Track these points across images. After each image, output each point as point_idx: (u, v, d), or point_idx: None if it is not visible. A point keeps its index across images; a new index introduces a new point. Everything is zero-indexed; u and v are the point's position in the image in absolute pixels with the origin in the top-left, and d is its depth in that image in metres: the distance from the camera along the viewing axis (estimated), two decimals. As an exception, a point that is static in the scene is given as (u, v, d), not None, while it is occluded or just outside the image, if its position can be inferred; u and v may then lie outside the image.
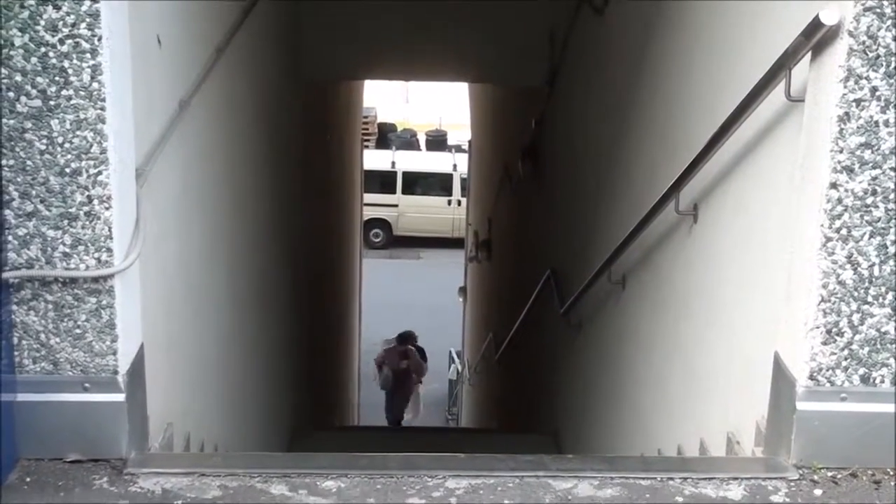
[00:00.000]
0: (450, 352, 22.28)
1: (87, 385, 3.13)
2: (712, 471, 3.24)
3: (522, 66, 9.94)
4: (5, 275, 2.99)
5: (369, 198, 25.33)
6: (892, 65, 2.89)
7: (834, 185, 2.98)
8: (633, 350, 5.43)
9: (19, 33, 2.86)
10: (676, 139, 4.63)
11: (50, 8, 2.85)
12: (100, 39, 2.89)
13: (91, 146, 2.95)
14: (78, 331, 3.09)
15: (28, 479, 3.04)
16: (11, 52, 2.87)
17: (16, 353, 3.08)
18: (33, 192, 2.97)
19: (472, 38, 10.05)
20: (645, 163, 5.33)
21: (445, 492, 3.06)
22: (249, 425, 5.99)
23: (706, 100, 4.20)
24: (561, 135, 8.83)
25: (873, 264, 3.05)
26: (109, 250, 3.04)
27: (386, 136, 35.56)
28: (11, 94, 2.90)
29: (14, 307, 3.05)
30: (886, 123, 2.93)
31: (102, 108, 2.94)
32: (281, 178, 7.48)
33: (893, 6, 2.85)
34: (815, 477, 3.15)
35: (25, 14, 2.85)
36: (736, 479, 3.17)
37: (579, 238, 7.33)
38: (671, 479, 3.17)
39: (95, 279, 3.06)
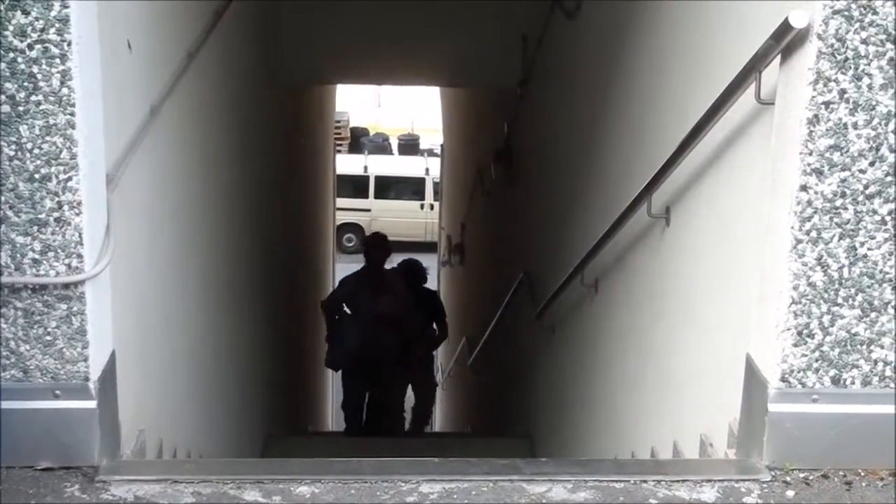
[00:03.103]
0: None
1: (57, 392, 3.12)
2: (685, 473, 3.26)
3: (495, 70, 9.95)
4: (-25, 282, 2.99)
5: (342, 202, 25.28)
6: (861, 67, 2.91)
7: (804, 188, 3.00)
8: (606, 353, 5.44)
9: (-13, 38, 2.86)
10: (649, 141, 4.65)
11: (19, 13, 2.85)
12: (69, 44, 2.89)
13: (61, 152, 2.95)
14: (48, 338, 3.09)
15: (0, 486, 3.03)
16: (-21, 58, 2.87)
17: (-14, 360, 3.08)
18: (2, 199, 2.97)
19: (445, 43, 10.06)
20: (618, 165, 5.34)
21: (419, 496, 3.06)
22: (222, 431, 5.98)
23: (678, 102, 4.21)
24: (534, 137, 8.84)
25: (843, 266, 3.07)
26: (80, 256, 3.04)
27: (358, 141, 35.55)
28: (-20, 100, 2.90)
29: (-16, 314, 3.05)
30: (855, 126, 2.95)
31: (72, 114, 2.94)
32: (253, 183, 7.47)
33: (861, 9, 2.87)
34: (788, 478, 3.17)
35: (-7, 19, 2.85)
36: (709, 481, 3.19)
37: (552, 241, 7.34)
38: (645, 481, 3.18)
39: (66, 286, 3.05)
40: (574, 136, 6.69)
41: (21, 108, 2.91)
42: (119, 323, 3.40)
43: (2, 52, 2.87)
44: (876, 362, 3.15)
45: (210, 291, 5.54)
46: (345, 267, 25.48)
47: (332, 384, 19.43)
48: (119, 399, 3.38)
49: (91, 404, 3.15)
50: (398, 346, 10.17)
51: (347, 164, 29.00)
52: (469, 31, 9.71)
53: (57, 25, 2.86)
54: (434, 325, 11.11)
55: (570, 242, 6.42)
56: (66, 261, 3.03)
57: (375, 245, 10.60)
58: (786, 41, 2.96)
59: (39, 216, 2.99)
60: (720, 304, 3.70)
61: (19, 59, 2.88)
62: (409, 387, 11.20)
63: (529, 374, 8.23)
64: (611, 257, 5.26)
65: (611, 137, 5.57)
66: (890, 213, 3.02)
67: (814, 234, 3.04)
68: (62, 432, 3.14)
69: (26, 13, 2.85)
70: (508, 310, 9.56)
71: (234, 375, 6.50)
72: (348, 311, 10.30)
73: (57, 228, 3.01)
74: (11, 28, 2.85)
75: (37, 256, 3.02)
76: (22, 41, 2.87)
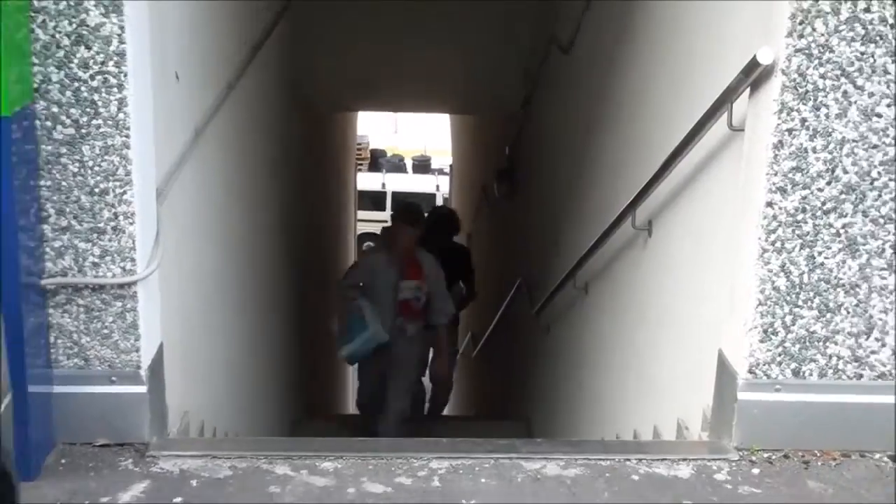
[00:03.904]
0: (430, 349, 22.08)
1: (113, 378, 3.14)
2: (664, 452, 3.26)
3: (499, 99, 9.95)
4: (43, 282, 3.01)
5: (362, 214, 25.18)
6: (819, 99, 2.92)
7: (769, 204, 3.01)
8: (595, 347, 5.42)
9: (56, 70, 2.89)
10: (634, 162, 4.63)
11: (83, 48, 2.88)
12: (126, 75, 2.91)
13: (117, 169, 2.98)
14: (105, 331, 3.11)
15: (63, 461, 3.05)
16: (49, 87, 2.90)
17: (52, 350, 3.10)
18: (67, 210, 2.99)
19: (455, 76, 10.03)
20: (606, 182, 5.33)
21: (429, 472, 3.07)
22: (255, 414, 5.97)
23: (660, 128, 4.21)
24: (532, 158, 8.81)
25: (803, 272, 3.08)
26: (133, 260, 3.06)
27: (377, 161, 35.41)
28: (49, 124, 2.92)
29: (50, 310, 3.07)
30: (814, 150, 2.96)
31: (127, 136, 2.96)
32: (285, 196, 7.48)
33: (820, 48, 2.89)
34: (753, 458, 3.17)
35: (61, 53, 2.88)
36: (685, 459, 3.19)
37: (548, 249, 7.32)
38: (628, 459, 3.19)
39: (121, 286, 3.08)
40: (568, 156, 6.67)
41: (84, 131, 2.94)
42: (166, 319, 3.41)
43: (68, 81, 2.90)
44: (831, 357, 3.16)
45: (244, 292, 5.54)
46: (363, 271, 25.50)
47: (352, 374, 19.32)
48: (166, 385, 3.39)
49: (142, 389, 3.17)
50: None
51: (367, 181, 28.91)
52: (476, 65, 9.67)
53: (115, 59, 2.89)
54: (461, 283, 8.89)
55: (564, 250, 6.40)
56: (121, 264, 3.06)
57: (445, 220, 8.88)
58: (754, 76, 2.98)
59: (98, 225, 3.02)
60: (695, 306, 3.70)
61: (83, 88, 2.91)
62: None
63: (527, 365, 8.19)
64: (600, 264, 5.25)
65: (600, 158, 5.56)
66: (844, 226, 3.03)
67: (778, 244, 3.05)
68: (117, 413, 3.16)
69: (89, 48, 2.88)
70: (509, 310, 9.51)
71: (265, 365, 6.49)
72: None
73: (113, 236, 3.03)
74: (76, 61, 2.88)
75: (96, 260, 3.05)
76: (85, 72, 2.90)
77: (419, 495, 2.95)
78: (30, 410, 2.86)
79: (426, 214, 8.40)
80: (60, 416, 3.11)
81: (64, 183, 2.97)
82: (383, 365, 7.16)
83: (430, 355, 8.00)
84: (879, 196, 3.02)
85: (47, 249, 3.02)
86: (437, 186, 29.91)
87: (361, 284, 7.10)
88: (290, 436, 7.56)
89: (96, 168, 2.97)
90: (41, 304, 3.03)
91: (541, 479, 3.06)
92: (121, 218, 3.02)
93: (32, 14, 2.84)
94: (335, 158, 14.30)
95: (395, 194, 30.15)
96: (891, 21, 2.88)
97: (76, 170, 2.97)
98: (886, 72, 2.92)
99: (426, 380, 8.41)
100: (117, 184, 2.99)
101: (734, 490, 3.03)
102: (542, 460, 3.16)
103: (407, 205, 7.71)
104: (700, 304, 3.64)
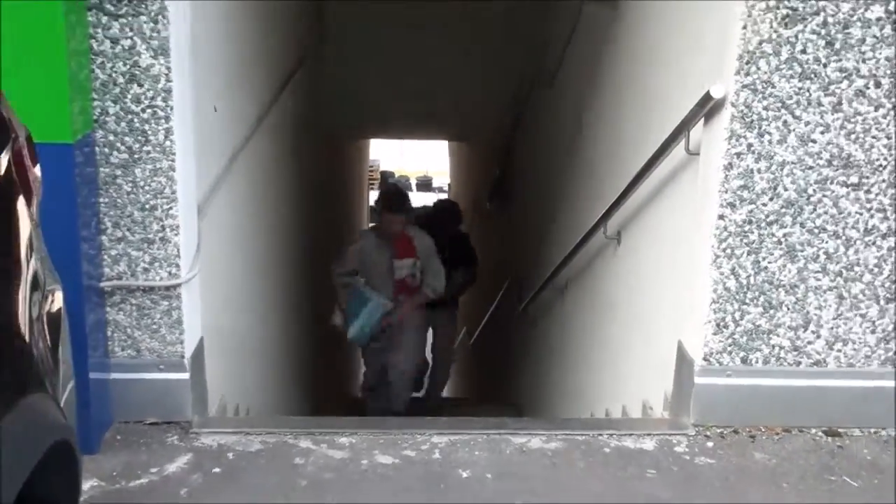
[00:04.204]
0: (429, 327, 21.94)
1: (161, 366, 3.16)
2: (631, 429, 3.28)
3: (489, 129, 9.98)
4: (102, 284, 3.03)
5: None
6: (763, 127, 2.94)
7: (721, 217, 3.03)
8: (574, 339, 5.41)
9: (112, 104, 2.91)
10: (607, 181, 4.61)
11: (135, 85, 2.90)
12: (172, 109, 2.94)
13: (164, 188, 3.00)
14: (154, 326, 3.13)
15: (119, 437, 3.08)
16: (106, 118, 2.92)
17: (109, 342, 3.12)
18: (122, 223, 3.02)
19: (453, 109, 10.06)
20: (582, 198, 5.31)
21: (430, 446, 3.09)
22: (282, 398, 5.97)
23: (629, 152, 4.21)
24: (519, 178, 8.82)
25: (749, 275, 3.09)
26: (177, 266, 3.08)
27: (386, 181, 35.45)
28: (106, 150, 2.95)
29: (108, 309, 3.09)
30: (759, 171, 2.98)
31: (173, 160, 2.98)
32: (307, 211, 7.48)
33: (763, 84, 2.91)
34: (708, 433, 3.19)
35: (117, 90, 2.90)
36: (649, 434, 3.21)
37: (534, 254, 7.32)
38: (601, 434, 3.21)
39: (167, 288, 3.10)
40: (550, 175, 6.67)
41: (136, 156, 2.96)
42: (205, 316, 3.43)
43: (122, 114, 2.92)
44: (774, 347, 3.18)
45: (271, 294, 5.54)
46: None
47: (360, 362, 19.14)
48: (206, 372, 3.41)
49: (185, 376, 3.19)
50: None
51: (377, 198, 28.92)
52: (471, 99, 9.69)
53: (163, 95, 2.92)
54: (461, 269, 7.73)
55: (547, 255, 6.38)
56: (168, 269, 3.08)
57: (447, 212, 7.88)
58: (708, 107, 3.00)
59: (148, 236, 3.04)
60: (658, 303, 3.71)
61: (135, 120, 2.93)
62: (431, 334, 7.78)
63: (517, 355, 8.16)
64: (577, 268, 5.25)
65: (577, 177, 5.56)
66: (784, 235, 3.05)
67: (728, 251, 3.07)
68: (164, 396, 3.18)
69: (140, 85, 2.90)
70: (499, 307, 9.50)
71: (290, 356, 6.49)
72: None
73: (161, 245, 3.05)
74: (130, 96, 2.91)
75: (146, 266, 3.07)
76: (137, 106, 2.92)
77: (422, 466, 2.97)
78: (90, 394, 2.88)
79: (432, 206, 8.25)
80: (116, 399, 3.14)
81: (119, 200, 2.99)
82: (387, 349, 6.58)
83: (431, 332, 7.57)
84: (814, 210, 3.04)
85: (105, 257, 3.04)
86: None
87: (357, 271, 6.34)
88: (312, 414, 7.54)
89: (146, 187, 2.99)
90: (100, 303, 3.05)
91: (526, 452, 3.07)
92: (167, 230, 3.04)
93: (93, 57, 2.87)
94: (352, 179, 14.30)
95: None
96: (823, 61, 2.91)
97: (129, 189, 2.99)
98: (820, 104, 2.94)
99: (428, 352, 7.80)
100: (164, 201, 3.01)
101: (691, 460, 3.04)
102: (528, 435, 3.17)
103: (390, 192, 6.61)
104: (662, 302, 3.65)
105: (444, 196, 9.06)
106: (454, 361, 8.31)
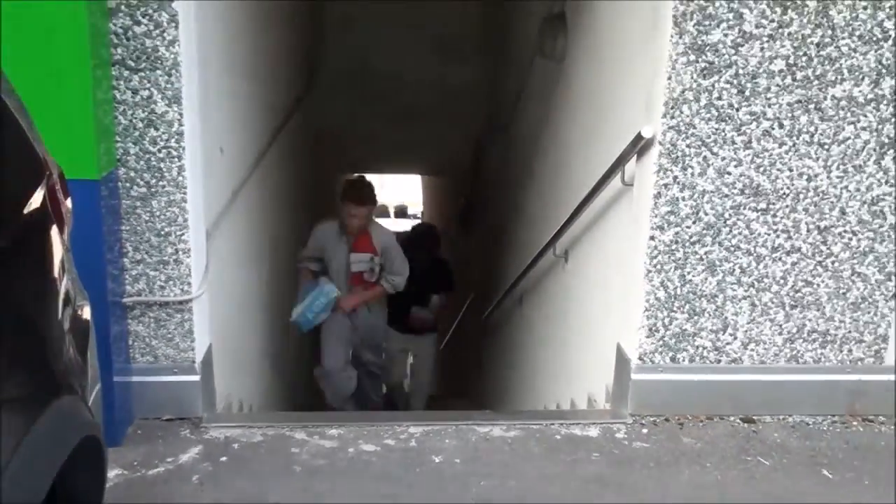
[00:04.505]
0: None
1: (175, 370, 3.15)
2: (578, 418, 3.29)
3: (455, 165, 10.03)
4: (124, 300, 3.02)
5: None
6: (686, 162, 2.98)
7: (652, 238, 3.06)
8: (529, 342, 5.41)
9: (133, 145, 2.91)
10: (554, 208, 4.63)
11: (152, 129, 2.90)
12: (184, 149, 2.94)
13: (177, 217, 2.99)
14: (169, 336, 3.12)
15: (139, 432, 3.06)
16: (127, 158, 2.91)
17: (130, 350, 3.10)
18: (141, 247, 3.00)
19: (424, 148, 10.12)
20: (535, 222, 5.31)
21: (408, 435, 3.09)
22: (280, 397, 5.93)
23: (573, 183, 4.21)
24: (482, 207, 8.84)
25: (676, 287, 3.12)
26: (189, 284, 3.07)
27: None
28: (128, 185, 2.94)
29: (129, 321, 3.08)
30: (683, 199, 3.02)
31: (185, 193, 2.98)
32: (300, 233, 7.44)
33: (685, 125, 2.95)
34: (643, 421, 3.21)
35: (137, 133, 2.90)
36: (594, 423, 3.22)
37: (495, 271, 7.33)
38: (552, 424, 3.21)
39: (180, 303, 3.08)
40: (507, 204, 6.68)
41: (153, 190, 2.96)
42: (213, 326, 3.42)
43: (141, 153, 2.92)
44: (698, 347, 3.20)
45: (273, 306, 5.51)
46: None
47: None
48: (214, 375, 3.38)
49: (196, 378, 3.18)
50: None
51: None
52: (439, 142, 9.76)
53: (176, 137, 2.92)
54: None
55: (506, 271, 6.38)
56: (180, 287, 3.07)
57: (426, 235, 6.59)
58: (640, 145, 3.03)
59: (164, 258, 3.03)
60: (600, 311, 3.72)
61: (152, 158, 2.93)
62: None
63: (481, 358, 8.17)
64: (531, 281, 5.26)
65: (530, 205, 5.57)
66: (705, 253, 3.08)
67: (658, 266, 3.09)
68: (178, 396, 3.17)
69: (157, 129, 2.90)
70: (465, 317, 9.49)
71: (288, 360, 6.46)
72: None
73: (175, 266, 3.04)
74: (148, 139, 2.90)
75: (162, 284, 3.06)
76: (154, 147, 2.92)
77: (401, 452, 2.97)
78: (115, 395, 2.87)
79: (411, 229, 6.95)
80: (137, 399, 3.12)
81: (139, 227, 2.99)
82: (355, 348, 5.55)
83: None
84: (730, 231, 3.08)
85: (127, 276, 3.03)
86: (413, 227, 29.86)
87: (321, 259, 5.35)
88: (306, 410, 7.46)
89: (162, 217, 2.99)
90: (122, 316, 3.03)
91: (489, 439, 3.08)
92: (180, 253, 3.03)
93: (116, 105, 2.87)
94: (339, 205, 14.25)
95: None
96: (736, 106, 2.96)
97: (147, 218, 2.98)
98: (734, 142, 2.98)
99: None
100: (177, 228, 3.01)
101: (630, 445, 3.06)
102: (490, 425, 3.17)
103: (353, 181, 5.35)
104: (604, 310, 3.66)
105: (418, 221, 8.54)
106: (430, 394, 7.30)
